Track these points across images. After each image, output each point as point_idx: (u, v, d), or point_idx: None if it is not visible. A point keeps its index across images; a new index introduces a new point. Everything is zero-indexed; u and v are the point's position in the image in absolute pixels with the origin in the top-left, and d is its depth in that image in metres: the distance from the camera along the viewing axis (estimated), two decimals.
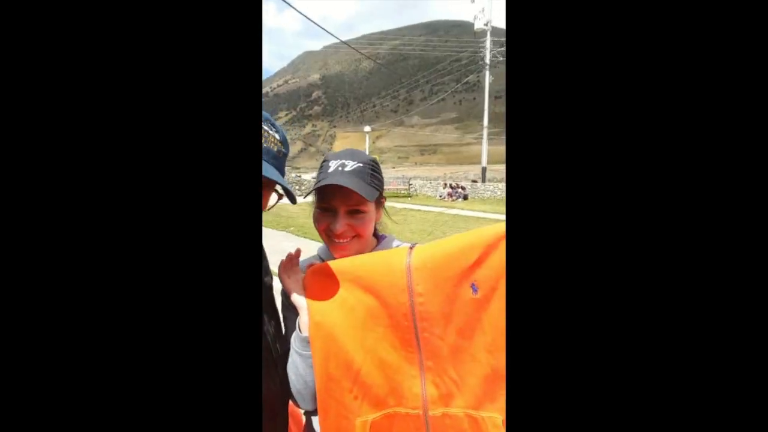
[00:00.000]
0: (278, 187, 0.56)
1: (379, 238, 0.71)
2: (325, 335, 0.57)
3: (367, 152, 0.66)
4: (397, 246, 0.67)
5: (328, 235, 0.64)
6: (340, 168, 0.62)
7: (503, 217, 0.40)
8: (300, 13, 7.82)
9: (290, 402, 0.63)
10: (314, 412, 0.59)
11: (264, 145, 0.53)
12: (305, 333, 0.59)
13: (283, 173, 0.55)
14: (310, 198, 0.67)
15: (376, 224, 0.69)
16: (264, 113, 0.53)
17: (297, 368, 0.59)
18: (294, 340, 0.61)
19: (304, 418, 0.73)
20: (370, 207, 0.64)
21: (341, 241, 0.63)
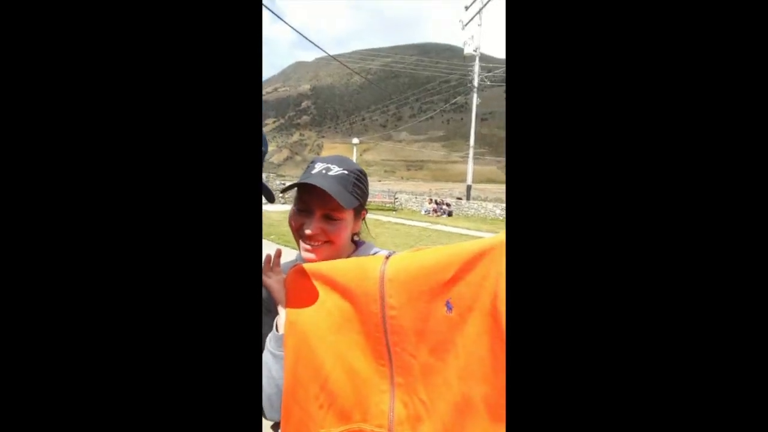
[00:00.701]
0: None
1: (357, 244, 0.70)
2: (298, 335, 0.56)
3: None
4: (375, 253, 0.65)
5: (300, 235, 0.63)
6: (324, 171, 0.61)
7: (486, 234, 0.41)
8: (290, 27, 7.89)
9: None
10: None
11: None
12: (282, 332, 0.57)
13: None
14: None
15: (354, 235, 0.68)
16: None
17: (270, 370, 0.57)
18: (269, 340, 0.59)
19: None
20: (347, 215, 0.63)
21: (312, 243, 0.62)
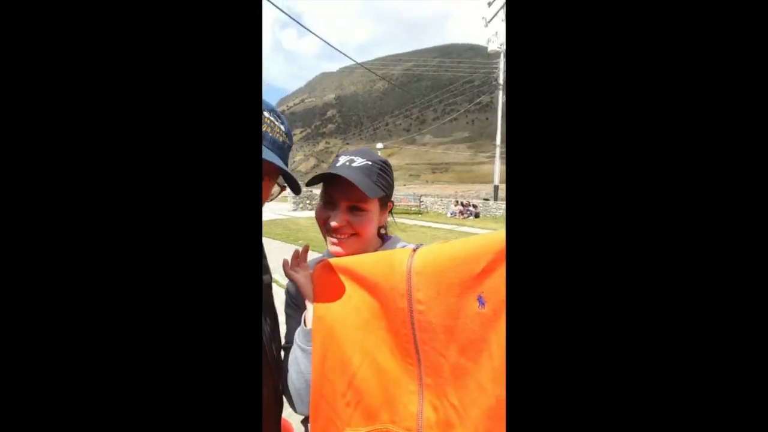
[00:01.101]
0: (281, 180, 0.56)
1: (384, 238, 0.69)
2: (325, 330, 0.55)
3: None
4: (403, 247, 0.64)
5: (327, 229, 0.63)
6: (347, 163, 0.62)
7: None
8: (320, 38, 8.14)
9: (282, 417, 0.60)
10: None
11: (270, 135, 0.53)
12: (309, 326, 0.57)
13: (286, 165, 0.55)
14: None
15: (380, 228, 0.68)
16: (270, 104, 0.54)
17: (299, 364, 0.57)
18: (298, 334, 0.59)
19: (302, 429, 0.66)
20: (372, 206, 0.62)
21: (338, 236, 0.62)
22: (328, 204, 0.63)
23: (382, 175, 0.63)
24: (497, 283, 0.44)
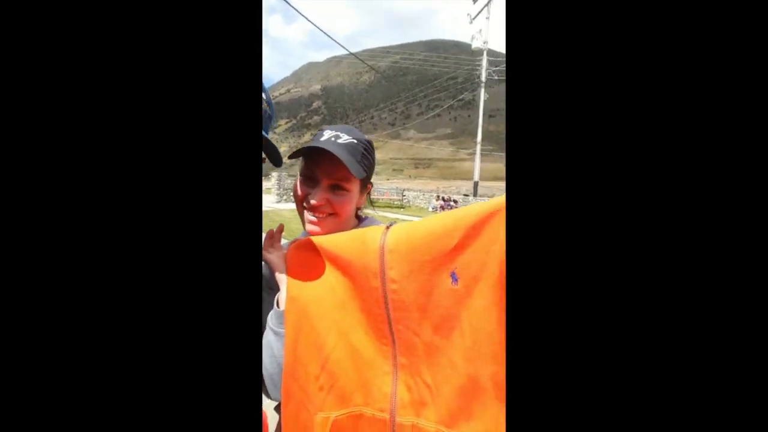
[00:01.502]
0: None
1: (360, 219, 0.68)
2: (299, 311, 0.53)
3: None
4: None
5: (304, 206, 0.61)
6: (333, 138, 0.59)
7: None
8: (311, 23, 8.00)
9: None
10: None
11: None
12: (282, 308, 0.55)
13: (267, 135, 0.54)
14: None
15: (357, 210, 0.66)
16: None
17: (271, 348, 0.55)
18: (270, 317, 0.57)
19: (276, 417, 0.63)
20: (354, 187, 0.60)
21: (316, 215, 0.59)
22: (308, 180, 0.60)
23: (366, 155, 0.61)
24: (470, 258, 0.43)
